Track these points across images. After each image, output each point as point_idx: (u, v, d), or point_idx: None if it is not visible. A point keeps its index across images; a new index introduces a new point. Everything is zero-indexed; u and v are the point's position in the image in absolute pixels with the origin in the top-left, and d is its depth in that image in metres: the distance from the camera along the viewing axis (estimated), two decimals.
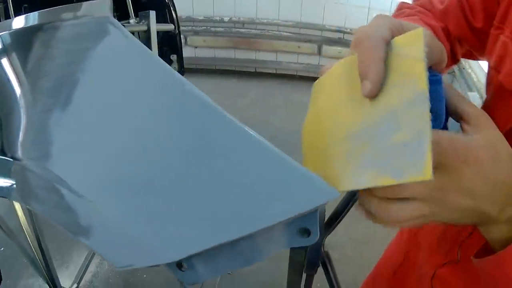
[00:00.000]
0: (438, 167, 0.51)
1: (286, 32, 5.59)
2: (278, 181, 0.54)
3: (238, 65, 5.69)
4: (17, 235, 2.24)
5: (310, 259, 1.09)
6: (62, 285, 2.71)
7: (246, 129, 0.55)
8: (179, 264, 0.62)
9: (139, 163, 0.62)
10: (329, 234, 1.15)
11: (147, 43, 2.86)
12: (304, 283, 1.40)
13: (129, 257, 0.63)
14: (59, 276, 2.71)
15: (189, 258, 0.60)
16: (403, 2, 1.06)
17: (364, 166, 0.51)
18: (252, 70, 5.76)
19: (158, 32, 4.15)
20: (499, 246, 0.62)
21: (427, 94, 0.45)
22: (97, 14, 0.73)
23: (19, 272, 3.14)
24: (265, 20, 5.63)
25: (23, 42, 0.82)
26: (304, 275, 1.35)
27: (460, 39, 1.02)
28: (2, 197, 0.84)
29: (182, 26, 5.63)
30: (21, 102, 0.76)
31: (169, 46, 4.07)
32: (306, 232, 0.58)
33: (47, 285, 2.57)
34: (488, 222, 0.61)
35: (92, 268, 3.20)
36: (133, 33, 2.45)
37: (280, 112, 4.87)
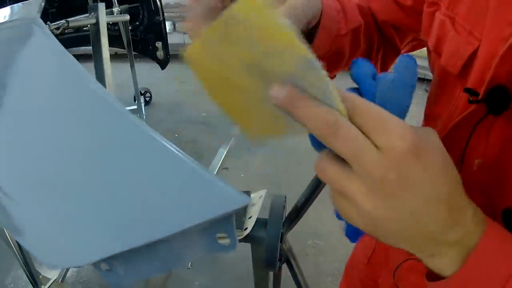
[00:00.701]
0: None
1: None
2: (187, 187, 0.55)
3: None
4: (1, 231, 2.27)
5: (268, 256, 1.09)
6: (48, 276, 2.75)
7: (156, 136, 0.56)
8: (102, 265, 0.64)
9: (51, 165, 0.64)
10: (289, 230, 1.14)
11: (96, 36, 2.85)
12: (273, 279, 1.41)
13: (54, 258, 0.66)
14: (46, 268, 2.73)
15: (109, 260, 0.62)
16: None
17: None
18: None
19: (143, 20, 4.17)
20: (445, 273, 0.55)
21: (313, 59, 0.44)
22: (27, 15, 0.74)
23: (10, 263, 3.19)
24: None
25: None
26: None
27: (395, 23, 0.97)
28: None
29: (171, 12, 5.63)
30: None
31: (154, 33, 4.09)
32: (225, 239, 0.60)
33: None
34: (424, 245, 0.54)
35: None
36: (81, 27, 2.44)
37: None
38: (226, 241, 0.60)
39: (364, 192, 0.48)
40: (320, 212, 2.99)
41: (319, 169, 0.51)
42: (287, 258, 1.22)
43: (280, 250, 1.12)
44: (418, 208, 0.48)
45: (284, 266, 1.32)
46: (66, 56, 0.63)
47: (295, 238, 1.34)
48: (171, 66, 4.50)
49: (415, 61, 0.55)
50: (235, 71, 0.51)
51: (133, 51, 4.04)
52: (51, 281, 2.76)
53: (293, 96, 0.46)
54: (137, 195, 0.58)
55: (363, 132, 0.46)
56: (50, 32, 0.64)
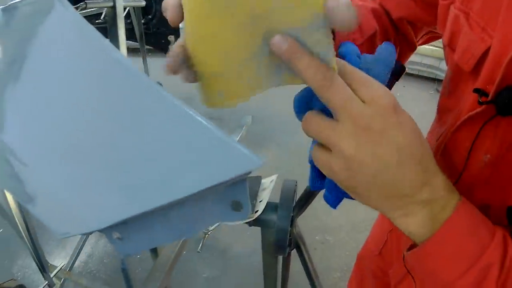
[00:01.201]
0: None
1: None
2: (201, 148, 0.55)
3: None
4: (12, 219, 2.28)
5: (278, 240, 1.10)
6: (56, 264, 2.76)
7: (169, 96, 0.56)
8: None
9: (67, 131, 0.65)
10: (300, 215, 1.15)
11: (113, 19, 2.85)
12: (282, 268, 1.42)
13: (66, 225, 0.66)
14: (56, 256, 2.76)
15: (121, 228, 0.62)
16: None
17: (278, 71, 0.57)
18: None
19: (155, 13, 4.19)
20: (419, 238, 0.59)
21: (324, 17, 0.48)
22: None
23: (17, 253, 3.21)
24: None
25: None
26: (281, 258, 1.37)
27: (410, 18, 0.98)
28: None
29: None
30: None
31: (166, 27, 4.11)
32: (238, 206, 0.60)
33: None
34: (398, 203, 0.57)
35: (87, 249, 3.25)
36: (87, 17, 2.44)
37: (281, 93, 4.86)
38: (239, 209, 0.59)
39: (347, 137, 0.52)
40: (329, 207, 2.99)
41: (306, 124, 0.57)
42: (297, 244, 1.22)
43: (290, 235, 1.12)
44: (393, 158, 0.52)
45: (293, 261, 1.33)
46: (87, 26, 0.64)
47: (303, 232, 1.34)
48: None
49: (393, 47, 0.63)
50: (234, 24, 0.51)
51: (145, 44, 4.04)
52: (57, 269, 2.78)
53: (296, 47, 0.50)
54: (151, 156, 0.58)
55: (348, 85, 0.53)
56: (70, 4, 0.65)
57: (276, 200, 1.16)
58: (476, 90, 0.65)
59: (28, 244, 2.42)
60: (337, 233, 3.18)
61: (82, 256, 3.19)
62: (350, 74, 0.53)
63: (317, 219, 2.94)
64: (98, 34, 0.62)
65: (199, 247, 1.38)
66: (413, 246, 0.61)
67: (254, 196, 1.16)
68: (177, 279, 2.36)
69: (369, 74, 0.56)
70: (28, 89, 0.70)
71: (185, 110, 0.55)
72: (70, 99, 0.65)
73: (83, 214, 0.63)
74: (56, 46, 0.67)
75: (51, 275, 2.66)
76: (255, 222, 1.18)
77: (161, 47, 4.28)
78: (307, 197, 1.13)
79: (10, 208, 2.25)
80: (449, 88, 0.84)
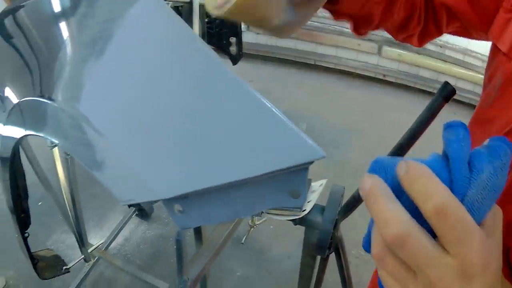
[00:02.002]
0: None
1: (348, 28, 5.57)
2: (268, 134, 0.59)
3: (298, 56, 5.71)
4: (57, 192, 2.40)
5: (320, 239, 1.12)
6: (91, 242, 2.84)
7: (244, 84, 0.60)
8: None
9: (149, 107, 0.69)
10: (343, 219, 1.17)
11: (189, 16, 2.92)
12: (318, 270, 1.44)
13: (131, 193, 0.71)
14: (92, 235, 2.83)
15: (184, 201, 0.66)
16: None
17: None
18: (312, 62, 5.76)
19: None
20: None
21: None
22: None
23: (53, 227, 3.33)
24: (328, 14, 5.64)
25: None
26: (318, 259, 1.39)
27: (453, 8, 0.94)
28: (35, 134, 0.94)
29: None
30: (63, 52, 0.86)
31: (229, 28, 4.17)
32: (295, 194, 0.63)
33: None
34: None
35: (125, 232, 3.32)
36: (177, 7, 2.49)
37: (333, 107, 4.87)
38: (297, 195, 0.62)
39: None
40: (367, 225, 2.98)
41: (378, 260, 0.49)
42: (336, 247, 1.24)
43: (331, 238, 1.15)
44: None
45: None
46: (174, 15, 0.69)
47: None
48: (241, 65, 4.60)
49: (509, 149, 0.47)
50: None
51: (207, 43, 4.12)
52: (96, 245, 2.86)
53: (375, 192, 0.45)
54: (221, 136, 0.62)
55: (438, 235, 0.44)
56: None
57: (323, 203, 1.19)
58: None
59: (71, 218, 2.50)
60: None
61: (119, 239, 3.27)
62: (445, 220, 0.42)
63: (356, 232, 2.92)
64: (184, 24, 0.67)
65: (243, 239, 1.41)
66: None
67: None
68: (212, 273, 2.40)
69: (478, 205, 0.45)
70: (110, 65, 0.75)
71: (258, 98, 0.58)
72: (149, 78, 0.70)
73: (150, 183, 0.67)
74: (142, 29, 0.73)
75: (88, 251, 2.74)
76: (301, 221, 1.21)
77: (223, 48, 4.33)
78: (353, 204, 1.15)
79: (59, 182, 2.33)
80: (494, 97, 0.82)
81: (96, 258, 2.92)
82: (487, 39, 0.85)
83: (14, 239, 3.20)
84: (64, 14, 0.91)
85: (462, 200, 0.45)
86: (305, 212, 1.16)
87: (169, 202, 0.69)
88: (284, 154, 0.57)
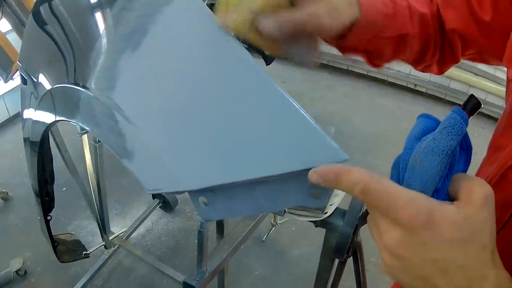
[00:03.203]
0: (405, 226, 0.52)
1: None
2: (294, 135, 0.61)
3: (332, 60, 5.70)
4: (82, 178, 2.46)
5: (339, 242, 1.14)
6: (113, 230, 2.90)
7: (277, 87, 0.63)
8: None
9: (181, 100, 0.72)
10: (363, 224, 1.19)
11: None
12: (335, 271, 1.46)
13: (159, 182, 0.74)
14: (114, 224, 2.90)
15: (209, 194, 0.69)
16: None
17: None
18: (345, 67, 5.75)
19: None
20: None
21: None
22: None
23: (76, 213, 3.41)
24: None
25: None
26: (336, 263, 1.42)
27: (464, 34, 0.95)
28: (66, 120, 0.97)
29: None
30: (99, 43, 0.90)
31: None
32: (318, 195, 0.64)
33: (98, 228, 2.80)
34: None
35: (147, 223, 3.39)
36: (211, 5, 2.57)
37: (363, 113, 4.87)
38: (318, 197, 0.64)
39: (386, 258, 0.57)
40: None
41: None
42: (355, 252, 1.26)
43: (350, 242, 1.17)
44: (430, 271, 0.53)
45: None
46: (209, 13, 0.72)
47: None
48: (275, 65, 4.63)
49: (464, 122, 0.55)
50: None
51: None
52: (117, 233, 2.93)
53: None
54: (250, 133, 0.64)
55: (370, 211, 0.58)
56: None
57: (345, 208, 1.21)
58: None
59: (96, 204, 2.54)
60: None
61: (141, 229, 3.33)
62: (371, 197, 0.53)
63: (369, 241, 2.95)
64: (226, 34, 0.71)
65: (264, 237, 1.43)
66: None
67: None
68: (230, 269, 2.43)
69: (413, 170, 0.56)
70: (145, 58, 0.79)
71: (287, 99, 0.61)
72: (183, 73, 0.73)
73: (178, 174, 0.70)
74: (178, 25, 0.76)
75: (110, 238, 2.82)
76: (322, 224, 1.24)
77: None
78: None
79: (85, 169, 2.38)
80: (505, 124, 0.81)
81: (116, 246, 2.99)
82: (504, 65, 0.85)
83: (34, 221, 3.28)
84: (102, 6, 0.95)
85: (406, 166, 0.57)
86: (327, 215, 1.19)
87: (195, 194, 0.71)
88: (308, 155, 0.59)
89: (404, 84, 5.26)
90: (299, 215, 1.25)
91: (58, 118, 1.08)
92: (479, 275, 0.52)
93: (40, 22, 1.17)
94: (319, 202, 0.64)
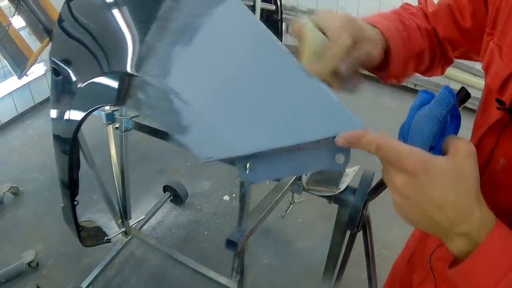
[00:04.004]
0: (411, 173, 0.70)
1: None
2: (326, 112, 0.81)
3: None
4: (98, 170, 2.56)
5: (351, 215, 1.32)
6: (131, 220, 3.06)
7: (302, 70, 0.85)
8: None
9: (230, 84, 0.92)
10: (372, 199, 1.36)
11: None
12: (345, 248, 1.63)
13: (211, 151, 0.92)
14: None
15: (253, 160, 0.89)
16: (407, 3, 1.21)
17: None
18: None
19: (262, 14, 4.49)
20: (460, 258, 0.76)
21: None
22: None
23: (88, 206, 3.54)
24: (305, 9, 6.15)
25: None
26: (347, 237, 1.59)
27: (451, 40, 1.17)
28: (112, 105, 1.14)
29: (286, 14, 6.05)
30: (151, 37, 1.07)
31: (270, 30, 4.44)
32: (341, 158, 0.82)
33: (113, 222, 2.99)
34: (443, 233, 0.76)
35: (158, 216, 3.55)
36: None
37: (364, 112, 5.00)
38: (341, 161, 0.82)
39: (396, 199, 0.76)
40: (391, 225, 3.14)
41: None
42: (364, 226, 1.44)
43: (360, 216, 1.35)
44: (428, 207, 0.71)
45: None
46: (253, 17, 0.93)
47: (361, 243, 1.58)
48: None
49: (452, 96, 0.76)
50: None
51: None
52: (136, 220, 3.16)
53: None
54: (290, 110, 0.84)
55: (384, 165, 0.76)
56: (243, 4, 0.94)
57: (356, 186, 1.39)
58: (498, 100, 0.85)
59: (118, 192, 2.72)
60: (393, 249, 3.26)
61: (152, 221, 3.49)
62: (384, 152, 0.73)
63: (377, 232, 3.09)
64: (256, 18, 0.90)
65: (284, 213, 1.61)
66: (453, 263, 0.79)
67: (339, 178, 1.40)
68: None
69: (414, 131, 0.78)
70: (196, 50, 0.98)
71: (319, 83, 0.83)
72: (230, 61, 0.93)
73: (230, 142, 0.89)
74: (225, 23, 0.96)
75: (130, 224, 2.98)
76: (335, 200, 1.42)
77: None
78: (380, 187, 1.34)
79: (109, 158, 2.56)
80: (482, 108, 1.02)
81: (129, 237, 3.12)
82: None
83: (44, 215, 3.49)
84: (152, 6, 1.12)
85: (408, 130, 0.80)
86: (340, 190, 1.37)
87: (241, 160, 0.89)
88: (335, 125, 0.78)
89: (404, 84, 5.41)
90: (316, 190, 1.43)
91: (102, 104, 1.24)
92: (466, 210, 0.71)
93: (82, 15, 1.32)
94: (342, 166, 0.83)
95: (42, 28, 2.81)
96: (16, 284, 2.98)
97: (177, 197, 3.62)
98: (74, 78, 1.37)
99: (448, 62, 1.26)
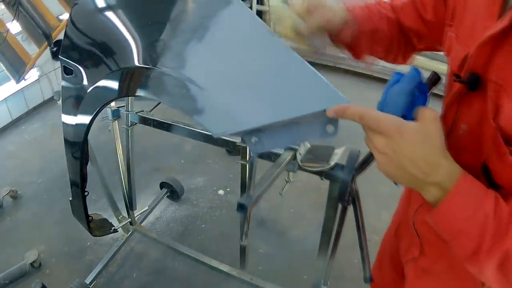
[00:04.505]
0: (387, 135, 0.86)
1: None
2: (318, 91, 1.00)
3: (318, 58, 6.05)
4: (101, 168, 2.72)
5: (341, 189, 1.49)
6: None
7: (298, 56, 1.04)
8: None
9: (235, 69, 1.12)
10: (359, 173, 1.52)
11: None
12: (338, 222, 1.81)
13: (223, 127, 1.11)
14: (123, 215, 3.18)
15: (257, 133, 1.07)
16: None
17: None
18: (331, 64, 6.15)
19: (257, 14, 4.76)
20: (435, 200, 0.91)
21: None
22: None
23: (87, 205, 3.58)
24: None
25: (168, 1, 1.31)
26: (338, 213, 1.77)
27: (416, 31, 1.40)
28: (132, 96, 1.31)
29: None
30: (165, 35, 1.26)
31: None
32: (331, 129, 1.01)
33: (113, 219, 3.06)
34: (419, 185, 0.91)
35: (156, 212, 3.68)
36: None
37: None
38: (331, 130, 1.01)
39: (378, 158, 0.92)
40: (380, 212, 3.29)
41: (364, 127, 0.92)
42: (353, 199, 1.60)
43: (350, 189, 1.52)
44: (404, 162, 0.88)
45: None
46: (255, 17, 1.13)
47: (352, 227, 1.74)
48: None
49: (418, 74, 1.01)
50: None
51: None
52: (140, 212, 3.31)
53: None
54: (288, 91, 1.04)
55: (366, 130, 0.92)
56: (244, 4, 1.12)
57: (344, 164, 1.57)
58: (455, 75, 1.04)
59: (124, 184, 2.87)
60: (383, 234, 3.44)
61: (151, 217, 3.63)
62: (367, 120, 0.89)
63: (368, 218, 3.20)
64: (255, 17, 1.13)
65: (283, 191, 1.77)
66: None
67: (329, 155, 1.59)
68: (236, 248, 2.71)
69: (388, 103, 0.99)
70: (206, 44, 1.17)
71: (311, 68, 1.02)
72: (234, 53, 1.13)
73: (239, 119, 1.07)
74: (229, 23, 1.16)
75: (119, 226, 3.07)
76: (327, 176, 1.61)
77: None
78: (366, 162, 1.51)
79: (117, 156, 2.73)
80: (446, 88, 1.22)
81: (130, 232, 3.25)
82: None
83: (44, 217, 3.65)
84: (163, 10, 1.30)
85: (384, 103, 1.01)
86: (330, 165, 1.57)
87: (248, 134, 1.08)
88: (326, 101, 0.97)
89: (389, 78, 5.57)
90: (310, 167, 1.62)
91: (121, 95, 1.42)
92: (435, 163, 0.87)
93: (95, 15, 1.48)
94: (331, 135, 1.01)
95: (41, 33, 2.88)
96: (20, 284, 3.06)
97: (173, 193, 3.77)
98: (87, 76, 1.53)
99: (412, 50, 1.49)
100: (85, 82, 1.55)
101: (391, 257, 1.75)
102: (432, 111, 0.89)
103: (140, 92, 1.32)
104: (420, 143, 0.86)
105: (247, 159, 2.00)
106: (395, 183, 1.13)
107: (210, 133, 1.11)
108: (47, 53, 3.18)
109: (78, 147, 1.80)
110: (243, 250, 2.22)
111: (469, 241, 0.87)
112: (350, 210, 1.66)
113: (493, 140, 0.94)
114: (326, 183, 1.72)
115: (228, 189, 4.04)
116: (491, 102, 0.94)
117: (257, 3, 4.96)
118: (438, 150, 0.88)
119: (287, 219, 3.70)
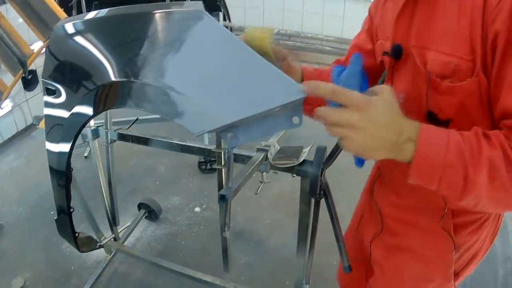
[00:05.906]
0: (357, 108, 0.96)
1: (328, 46, 6.76)
2: (280, 87, 1.14)
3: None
4: (80, 190, 2.82)
5: (311, 183, 1.64)
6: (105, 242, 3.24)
7: (260, 57, 1.20)
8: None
9: (209, 74, 1.26)
10: (328, 166, 1.64)
11: None
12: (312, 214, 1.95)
13: (202, 126, 1.24)
14: (105, 236, 3.27)
15: (232, 129, 1.21)
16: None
17: None
18: (316, 66, 6.30)
19: None
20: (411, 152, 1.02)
21: None
22: (196, 8, 1.32)
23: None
24: (310, 35, 6.97)
25: (144, 21, 1.42)
26: (312, 208, 1.91)
27: (370, 67, 1.52)
28: (120, 107, 1.45)
29: (292, 40, 6.77)
30: (144, 51, 1.38)
31: None
32: (296, 120, 1.15)
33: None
34: (394, 148, 1.00)
35: (136, 233, 3.78)
36: None
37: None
38: (297, 121, 1.15)
39: (355, 136, 0.98)
40: (348, 208, 3.38)
41: (323, 116, 1.01)
42: (325, 192, 1.73)
43: (320, 183, 1.68)
44: (380, 129, 0.98)
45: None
46: (219, 25, 1.29)
47: (326, 224, 1.82)
48: None
49: (359, 57, 1.26)
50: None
51: None
52: (124, 227, 3.43)
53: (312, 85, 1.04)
54: (255, 89, 1.18)
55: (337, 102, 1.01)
56: (214, 19, 1.27)
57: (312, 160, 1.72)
58: (384, 53, 1.29)
59: (106, 200, 2.99)
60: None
61: (131, 239, 3.72)
62: (339, 94, 0.99)
63: (343, 221, 3.35)
64: (228, 33, 1.29)
65: (257, 190, 1.88)
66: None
67: (298, 153, 1.75)
68: (217, 261, 2.74)
69: (345, 85, 1.05)
70: (182, 55, 1.31)
71: (274, 68, 1.18)
72: (207, 60, 1.28)
73: (215, 117, 1.21)
74: (201, 36, 1.31)
75: (104, 242, 3.18)
76: (298, 172, 1.77)
77: None
78: (332, 155, 1.62)
79: (97, 168, 2.85)
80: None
81: (113, 252, 3.35)
82: None
83: (28, 244, 3.73)
84: (137, 30, 1.43)
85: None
86: (300, 160, 1.73)
87: (224, 131, 1.21)
88: (287, 96, 1.12)
89: None
90: (281, 164, 1.77)
91: (104, 108, 1.55)
92: (401, 123, 1.00)
93: (79, 37, 1.57)
94: (297, 125, 1.15)
95: (17, 60, 2.99)
96: None
97: (151, 213, 3.89)
98: (71, 93, 1.63)
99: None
100: (67, 99, 1.66)
101: (356, 253, 1.94)
102: (388, 87, 1.04)
103: (120, 105, 1.45)
104: (388, 110, 0.99)
105: (223, 163, 2.13)
106: (358, 162, 1.35)
107: (190, 132, 1.24)
108: (19, 83, 3.28)
109: (63, 161, 1.86)
110: (225, 251, 2.33)
111: (455, 172, 0.99)
112: (326, 216, 1.76)
113: (428, 84, 1.18)
114: (298, 192, 1.86)
115: (204, 206, 4.17)
116: (419, 60, 1.19)
117: (224, 19, 5.32)
118: (400, 114, 1.02)
119: (264, 230, 3.83)
